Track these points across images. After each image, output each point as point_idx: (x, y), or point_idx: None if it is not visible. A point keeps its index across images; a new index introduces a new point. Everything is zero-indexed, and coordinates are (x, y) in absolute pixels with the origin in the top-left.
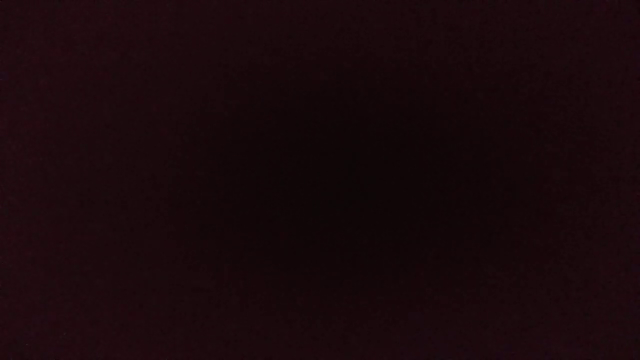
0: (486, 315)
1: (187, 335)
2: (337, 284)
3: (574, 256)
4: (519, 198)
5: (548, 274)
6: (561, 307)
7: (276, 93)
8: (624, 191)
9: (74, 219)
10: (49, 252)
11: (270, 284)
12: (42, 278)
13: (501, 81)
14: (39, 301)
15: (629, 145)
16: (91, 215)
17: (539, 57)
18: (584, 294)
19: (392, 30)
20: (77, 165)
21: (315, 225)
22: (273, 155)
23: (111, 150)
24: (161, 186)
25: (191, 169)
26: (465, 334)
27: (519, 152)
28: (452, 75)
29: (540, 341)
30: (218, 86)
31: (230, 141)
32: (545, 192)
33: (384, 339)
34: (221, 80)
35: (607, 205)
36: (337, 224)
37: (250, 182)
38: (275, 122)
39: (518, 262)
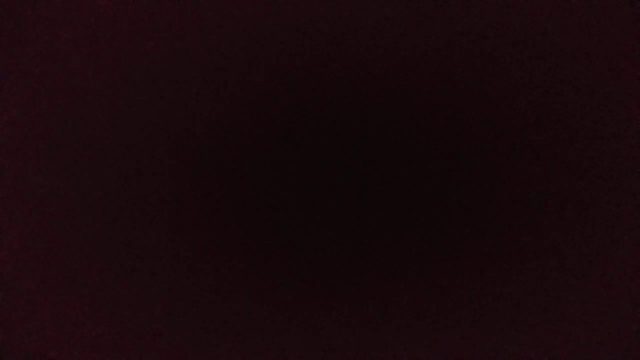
0: (486, 315)
1: (186, 336)
2: (337, 285)
3: (573, 257)
4: (519, 198)
5: (547, 274)
6: (561, 307)
7: (275, 93)
8: (624, 191)
9: (73, 219)
10: (49, 252)
11: (270, 284)
12: (42, 278)
13: (501, 82)
14: (38, 301)
15: (629, 146)
16: (91, 215)
17: (538, 57)
18: (583, 294)
19: (392, 30)
20: (76, 165)
21: (314, 225)
22: (272, 156)
23: (111, 150)
24: (161, 186)
25: (191, 169)
26: (465, 334)
27: (518, 152)
28: (452, 76)
29: (540, 341)
30: (216, 87)
31: (229, 142)
32: (545, 193)
33: (384, 340)
34: (220, 81)
35: (607, 205)
36: (337, 224)
37: (250, 183)
38: (274, 122)
39: (517, 262)
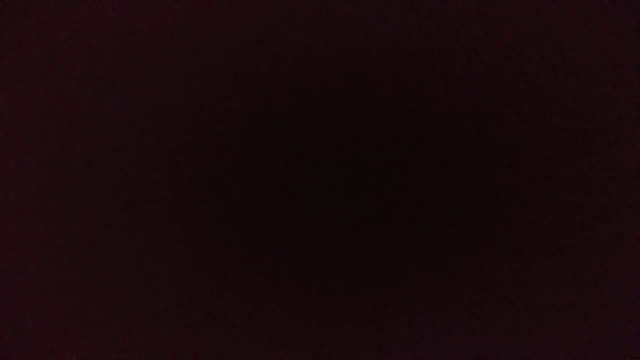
0: (486, 315)
1: (186, 336)
2: (337, 285)
3: (573, 256)
4: (518, 198)
5: (548, 274)
6: (561, 307)
7: (275, 94)
8: (624, 191)
9: (73, 219)
10: (49, 252)
11: (270, 284)
12: (42, 278)
13: (501, 82)
14: (38, 301)
15: (629, 146)
16: (91, 215)
17: (538, 57)
18: (583, 293)
19: (391, 30)
20: (76, 165)
21: (314, 226)
22: (272, 156)
23: (111, 150)
24: (161, 186)
25: (191, 169)
26: (465, 334)
27: (518, 152)
28: (451, 76)
29: (540, 341)
30: (216, 87)
31: (229, 142)
32: (544, 192)
33: (384, 340)
34: (219, 81)
35: (607, 205)
36: (337, 224)
37: (250, 183)
38: (274, 122)
39: (517, 262)
